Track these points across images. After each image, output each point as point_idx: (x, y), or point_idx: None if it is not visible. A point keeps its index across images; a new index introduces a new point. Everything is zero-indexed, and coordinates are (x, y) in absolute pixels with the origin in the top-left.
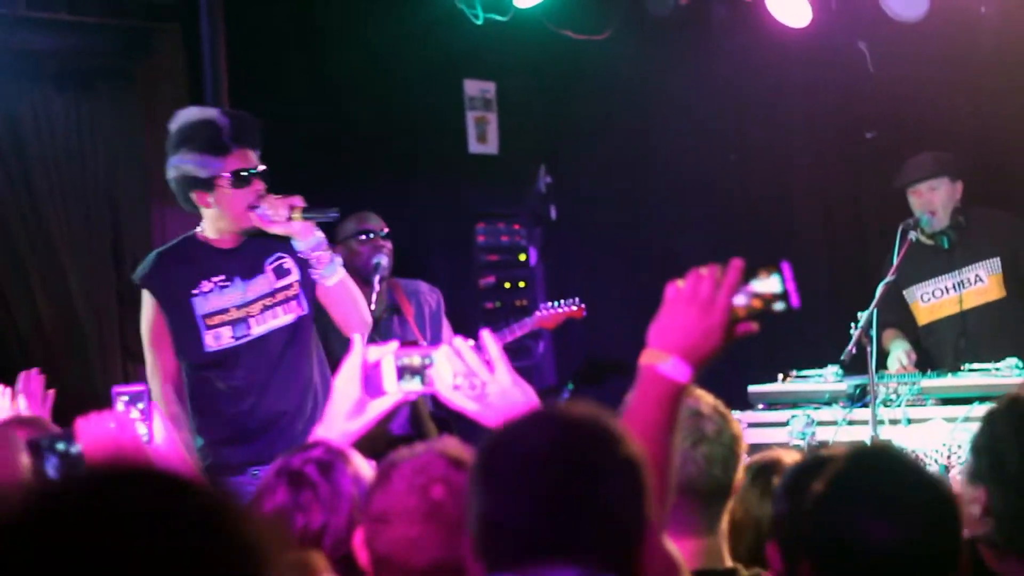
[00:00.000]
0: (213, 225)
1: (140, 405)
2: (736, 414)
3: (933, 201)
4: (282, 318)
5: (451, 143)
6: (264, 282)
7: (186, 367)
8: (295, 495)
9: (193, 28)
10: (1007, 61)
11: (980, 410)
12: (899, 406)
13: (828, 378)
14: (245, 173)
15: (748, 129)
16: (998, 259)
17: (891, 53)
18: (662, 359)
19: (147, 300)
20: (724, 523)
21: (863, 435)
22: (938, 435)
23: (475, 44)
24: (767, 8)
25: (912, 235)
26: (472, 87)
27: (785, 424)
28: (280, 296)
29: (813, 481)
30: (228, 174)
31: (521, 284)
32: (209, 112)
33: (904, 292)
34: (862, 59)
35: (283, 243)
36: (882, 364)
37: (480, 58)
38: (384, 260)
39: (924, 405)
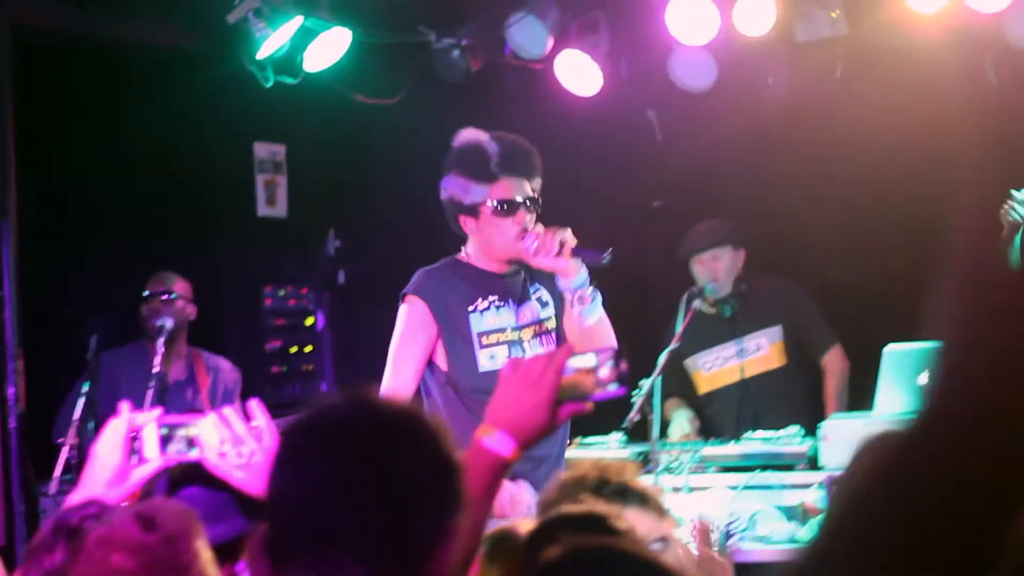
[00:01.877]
0: (478, 251)
1: None
2: None
3: (716, 270)
4: (541, 351)
5: (240, 206)
6: (532, 310)
7: (450, 392)
8: (77, 553)
9: None
10: (793, 131)
11: (761, 478)
12: (681, 473)
13: (612, 445)
14: (509, 203)
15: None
16: (779, 327)
17: (679, 122)
18: (489, 433)
19: (415, 311)
20: None
21: None
22: (720, 503)
23: (266, 106)
24: (557, 77)
25: (696, 303)
26: (262, 149)
27: None
28: (542, 328)
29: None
30: (492, 203)
31: (308, 349)
32: (479, 136)
33: (686, 361)
34: (651, 127)
35: (543, 274)
36: (664, 432)
37: (270, 120)
38: (168, 322)
39: (706, 473)
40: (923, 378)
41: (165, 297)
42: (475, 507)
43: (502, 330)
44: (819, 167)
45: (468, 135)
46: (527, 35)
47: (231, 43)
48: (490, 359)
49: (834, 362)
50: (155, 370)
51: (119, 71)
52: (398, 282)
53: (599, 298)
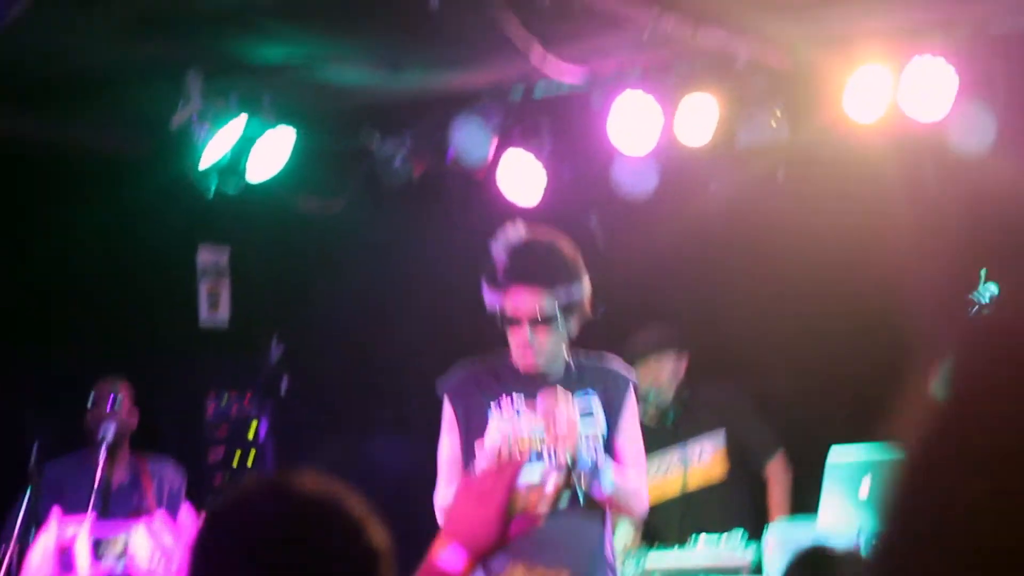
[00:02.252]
0: None
1: None
2: None
3: (659, 376)
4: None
5: (183, 312)
6: None
7: None
8: None
9: None
10: (735, 236)
11: None
12: None
13: None
14: (508, 317)
15: (481, 301)
16: (722, 432)
17: (621, 228)
18: (442, 547)
19: (445, 411)
20: None
21: None
22: None
23: (209, 209)
24: (499, 185)
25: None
26: (205, 255)
27: None
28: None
29: None
30: (499, 312)
31: (250, 459)
32: (499, 240)
33: None
34: (592, 233)
35: (596, 379)
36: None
37: (214, 223)
38: (110, 431)
39: None
40: (864, 491)
41: (109, 406)
42: None
43: (522, 436)
44: (761, 272)
45: (502, 236)
46: (470, 137)
47: (175, 147)
48: None
49: (777, 471)
50: (97, 478)
51: (62, 176)
52: (341, 389)
53: (609, 471)
